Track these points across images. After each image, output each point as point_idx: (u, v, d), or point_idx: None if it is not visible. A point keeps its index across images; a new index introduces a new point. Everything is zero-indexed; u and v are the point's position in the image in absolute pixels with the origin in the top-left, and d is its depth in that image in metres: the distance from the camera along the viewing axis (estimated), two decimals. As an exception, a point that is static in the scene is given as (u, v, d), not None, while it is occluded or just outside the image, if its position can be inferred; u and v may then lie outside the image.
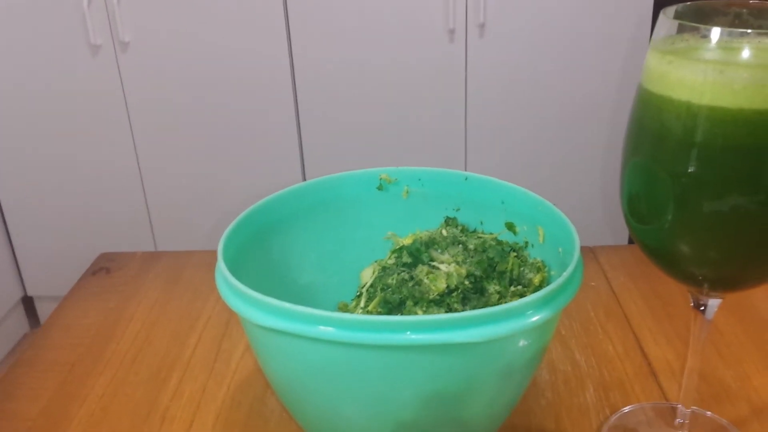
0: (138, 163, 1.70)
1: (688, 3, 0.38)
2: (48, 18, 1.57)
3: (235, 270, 0.42)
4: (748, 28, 0.38)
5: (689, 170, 0.36)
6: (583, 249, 0.70)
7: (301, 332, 0.36)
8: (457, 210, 0.54)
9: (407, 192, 0.54)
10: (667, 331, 0.59)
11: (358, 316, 0.35)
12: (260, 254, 0.48)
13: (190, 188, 1.70)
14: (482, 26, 1.58)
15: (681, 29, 0.35)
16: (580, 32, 1.57)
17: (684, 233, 0.38)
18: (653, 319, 0.60)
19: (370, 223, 0.54)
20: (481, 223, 0.53)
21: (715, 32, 0.34)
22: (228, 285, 0.40)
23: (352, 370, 0.38)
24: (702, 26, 0.34)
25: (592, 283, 0.66)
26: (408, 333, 0.36)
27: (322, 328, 0.36)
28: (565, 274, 0.39)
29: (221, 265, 0.41)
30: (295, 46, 1.60)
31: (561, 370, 0.55)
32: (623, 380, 0.53)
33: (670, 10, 0.36)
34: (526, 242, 0.50)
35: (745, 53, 0.33)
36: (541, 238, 0.49)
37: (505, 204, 0.51)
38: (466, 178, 0.53)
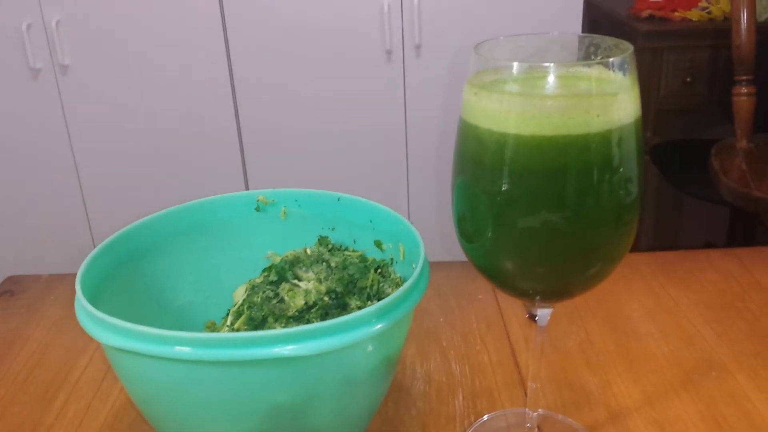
0: (80, 186, 1.71)
1: (501, 38, 0.41)
2: (-15, 42, 1.58)
3: (101, 294, 0.45)
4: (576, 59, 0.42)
5: (501, 190, 0.39)
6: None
7: (140, 351, 0.39)
8: (333, 229, 0.56)
9: (285, 213, 0.57)
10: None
11: (186, 334, 0.38)
12: (132, 277, 0.50)
13: (132, 211, 1.71)
14: (418, 47, 1.63)
15: (488, 64, 0.39)
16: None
17: (504, 250, 0.41)
18: (531, 331, 0.64)
19: (249, 244, 0.56)
20: (354, 241, 0.56)
21: (514, 66, 0.37)
22: (83, 310, 0.42)
23: (194, 387, 0.40)
24: (500, 61, 0.38)
25: (480, 296, 0.69)
26: (239, 349, 0.38)
27: (152, 347, 0.38)
28: (400, 290, 0.42)
29: (78, 290, 0.43)
30: (235, 65, 1.62)
31: (435, 380, 0.57)
32: (492, 388, 0.56)
33: (480, 46, 0.39)
34: (392, 259, 0.53)
35: (535, 86, 0.37)
36: (402, 255, 0.52)
37: (373, 223, 0.54)
38: (339, 199, 0.55)
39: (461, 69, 1.66)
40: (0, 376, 0.59)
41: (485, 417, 0.53)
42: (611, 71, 0.37)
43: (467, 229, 0.42)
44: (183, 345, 0.39)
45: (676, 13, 1.63)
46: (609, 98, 0.37)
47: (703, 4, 1.65)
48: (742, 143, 1.52)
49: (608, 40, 0.40)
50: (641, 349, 0.60)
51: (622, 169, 0.38)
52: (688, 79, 1.62)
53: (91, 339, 0.63)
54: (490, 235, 0.40)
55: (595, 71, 0.37)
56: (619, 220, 0.39)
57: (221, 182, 1.71)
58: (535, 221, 0.39)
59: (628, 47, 0.38)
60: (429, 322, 0.65)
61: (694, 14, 1.62)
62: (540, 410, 0.52)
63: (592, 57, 0.41)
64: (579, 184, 0.37)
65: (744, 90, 1.49)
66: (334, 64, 1.63)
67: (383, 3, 1.57)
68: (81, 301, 0.42)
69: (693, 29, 1.60)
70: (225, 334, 0.39)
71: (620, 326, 0.63)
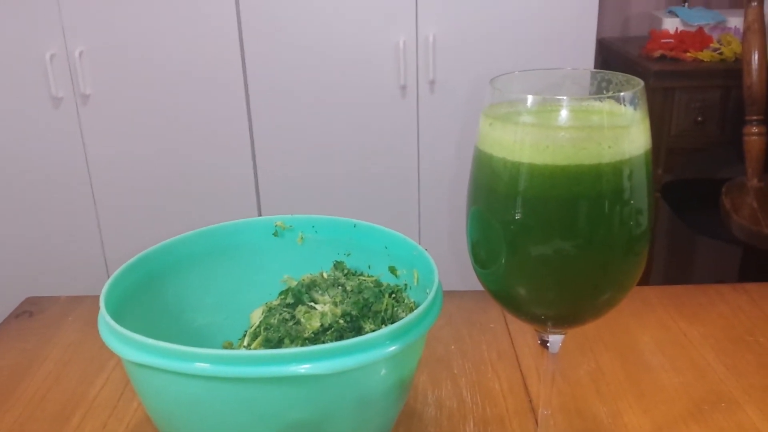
0: (96, 213, 1.73)
1: (516, 72, 0.43)
2: (10, 70, 1.62)
3: (122, 312, 0.46)
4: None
5: (515, 218, 0.40)
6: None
7: (161, 366, 0.40)
8: (348, 255, 0.58)
9: (302, 238, 0.58)
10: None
11: (206, 351, 0.39)
12: (152, 298, 0.52)
13: (146, 238, 1.73)
14: (432, 83, 1.65)
15: (503, 96, 0.40)
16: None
17: (517, 276, 0.42)
18: (543, 360, 0.64)
19: (267, 267, 0.58)
20: (369, 266, 0.57)
21: (528, 99, 0.39)
22: (106, 326, 0.43)
23: (211, 403, 0.41)
24: (515, 94, 0.39)
25: (492, 326, 0.70)
26: (257, 366, 0.39)
27: (173, 362, 0.39)
28: (414, 314, 0.43)
29: (101, 307, 0.44)
30: (252, 97, 1.66)
31: (447, 407, 0.58)
32: (503, 416, 0.57)
33: (496, 80, 0.41)
34: (405, 284, 0.54)
35: (549, 117, 0.38)
36: (415, 281, 0.53)
37: (388, 249, 0.55)
38: (355, 226, 0.57)
39: (475, 104, 1.69)
40: (18, 395, 0.60)
41: (496, 444, 0.53)
42: (622, 105, 0.39)
43: (481, 255, 0.43)
44: (203, 361, 0.40)
45: (688, 54, 1.65)
46: (620, 130, 0.38)
47: (715, 45, 1.68)
48: (753, 182, 1.52)
49: (619, 76, 0.42)
50: (652, 380, 0.60)
51: (632, 200, 0.39)
52: (700, 119, 1.64)
53: (107, 359, 0.65)
54: (503, 261, 0.42)
55: (606, 105, 0.39)
56: (630, 249, 0.40)
57: (235, 215, 1.73)
58: (547, 249, 0.40)
59: (639, 83, 0.40)
60: (441, 350, 0.66)
61: (705, 55, 1.64)
62: (552, 437, 0.53)
63: (604, 92, 0.42)
64: (590, 213, 0.39)
65: (755, 129, 1.50)
66: (349, 99, 1.66)
67: (399, 39, 1.61)
68: (104, 317, 0.43)
69: (704, 69, 1.62)
70: (244, 352, 0.40)
71: (631, 358, 0.64)
